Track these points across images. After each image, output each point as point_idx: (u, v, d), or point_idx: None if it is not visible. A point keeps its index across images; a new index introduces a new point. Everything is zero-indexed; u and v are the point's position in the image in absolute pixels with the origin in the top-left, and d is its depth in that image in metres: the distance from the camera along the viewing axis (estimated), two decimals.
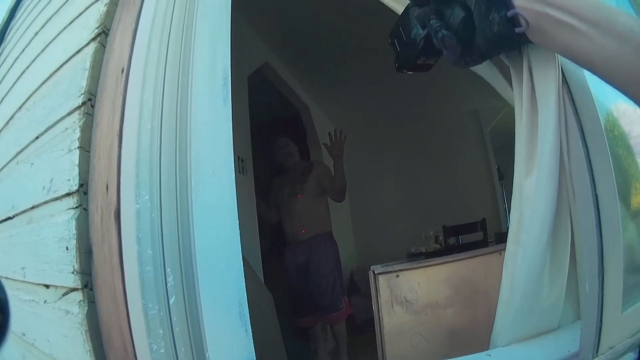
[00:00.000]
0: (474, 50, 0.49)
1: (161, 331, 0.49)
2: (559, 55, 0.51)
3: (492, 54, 0.51)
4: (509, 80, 0.56)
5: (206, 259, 0.53)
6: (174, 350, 0.50)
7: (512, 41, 0.48)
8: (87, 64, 0.64)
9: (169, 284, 0.49)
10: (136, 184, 0.50)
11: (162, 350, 0.49)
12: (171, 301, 0.49)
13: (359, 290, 2.80)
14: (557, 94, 0.50)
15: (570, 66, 0.52)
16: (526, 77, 0.52)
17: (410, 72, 0.59)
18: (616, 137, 0.58)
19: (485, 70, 0.61)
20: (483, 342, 0.62)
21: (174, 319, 0.49)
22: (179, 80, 0.56)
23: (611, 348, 0.60)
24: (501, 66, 0.60)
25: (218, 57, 0.60)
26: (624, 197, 0.60)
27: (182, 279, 0.51)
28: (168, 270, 0.49)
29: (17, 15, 0.96)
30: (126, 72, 0.59)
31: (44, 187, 0.66)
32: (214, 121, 0.58)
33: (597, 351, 0.58)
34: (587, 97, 0.52)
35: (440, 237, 1.38)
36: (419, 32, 0.53)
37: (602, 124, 0.53)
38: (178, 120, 0.54)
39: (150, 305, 0.48)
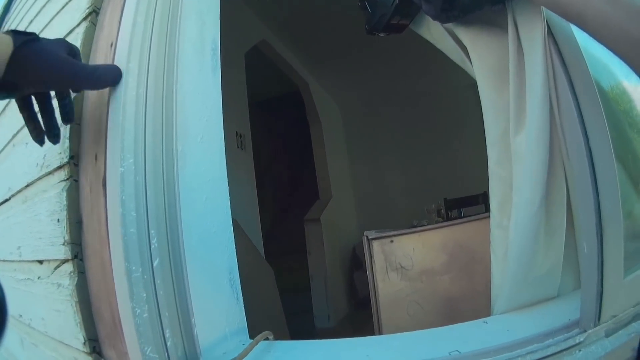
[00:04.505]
0: (456, 4, 0.48)
1: (144, 294, 0.48)
2: (544, 8, 0.50)
3: (474, 7, 0.50)
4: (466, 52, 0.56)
5: (193, 224, 0.53)
6: (158, 315, 0.49)
7: None
8: (79, 42, 0.66)
9: (152, 246, 0.49)
10: (121, 148, 0.50)
11: (146, 315, 0.49)
12: (155, 263, 0.49)
13: (361, 265, 2.79)
14: (543, 47, 0.49)
15: (556, 19, 0.51)
16: (511, 31, 0.51)
17: (382, 34, 0.58)
18: (610, 93, 0.57)
19: (445, 43, 0.60)
20: (481, 311, 0.60)
21: (157, 282, 0.49)
22: (166, 50, 0.57)
23: (614, 317, 0.57)
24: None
25: (206, 27, 0.62)
26: (621, 159, 0.58)
27: (167, 242, 0.50)
28: (152, 232, 0.49)
29: (12, 7, 1.00)
30: (114, 45, 0.60)
31: (37, 164, 0.67)
32: (202, 89, 0.58)
33: (599, 319, 0.56)
34: (574, 49, 0.51)
35: (442, 210, 1.36)
36: None
37: (593, 77, 0.51)
38: (165, 88, 0.55)
39: (134, 268, 0.48)
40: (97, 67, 0.54)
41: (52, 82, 0.49)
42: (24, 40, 0.44)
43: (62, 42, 0.52)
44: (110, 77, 0.54)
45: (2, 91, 0.46)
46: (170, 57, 0.56)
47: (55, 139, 0.54)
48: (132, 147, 0.50)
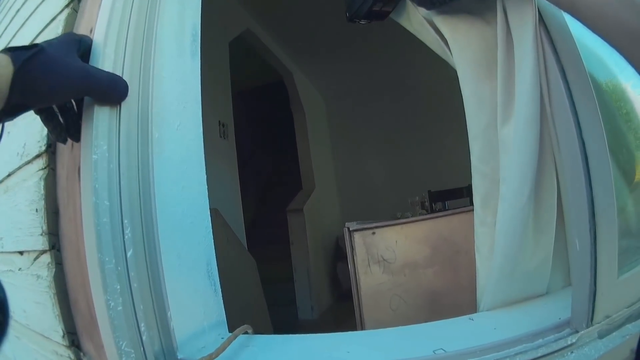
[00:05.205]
0: None
1: (118, 287, 0.47)
2: None
3: None
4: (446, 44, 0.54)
5: (169, 214, 0.51)
6: (133, 308, 0.48)
7: None
8: (60, 29, 0.65)
9: (126, 237, 0.47)
10: (94, 135, 0.48)
11: (120, 308, 0.47)
12: (129, 254, 0.47)
13: (345, 256, 2.79)
14: (534, 35, 0.47)
15: (549, 7, 0.49)
16: (500, 18, 0.49)
17: (363, 22, 0.56)
18: (604, 86, 0.54)
19: (425, 34, 0.58)
20: (466, 305, 0.58)
21: (131, 274, 0.47)
22: (144, 35, 0.55)
23: (607, 317, 0.55)
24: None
25: (187, 13, 0.60)
26: (614, 152, 0.56)
27: (142, 233, 0.49)
28: (125, 222, 0.47)
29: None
30: (94, 31, 0.58)
31: (18, 153, 0.66)
32: (181, 75, 0.57)
33: (591, 320, 0.53)
34: (567, 38, 0.48)
35: (426, 203, 1.34)
36: None
37: (587, 68, 0.49)
38: (141, 73, 0.53)
39: (107, 259, 0.46)
40: (113, 79, 0.49)
41: (65, 95, 0.46)
42: (26, 57, 0.39)
43: (70, 41, 0.48)
44: (122, 91, 0.49)
45: (9, 115, 0.41)
46: (148, 41, 0.55)
47: (77, 135, 0.51)
48: (105, 133, 0.49)
